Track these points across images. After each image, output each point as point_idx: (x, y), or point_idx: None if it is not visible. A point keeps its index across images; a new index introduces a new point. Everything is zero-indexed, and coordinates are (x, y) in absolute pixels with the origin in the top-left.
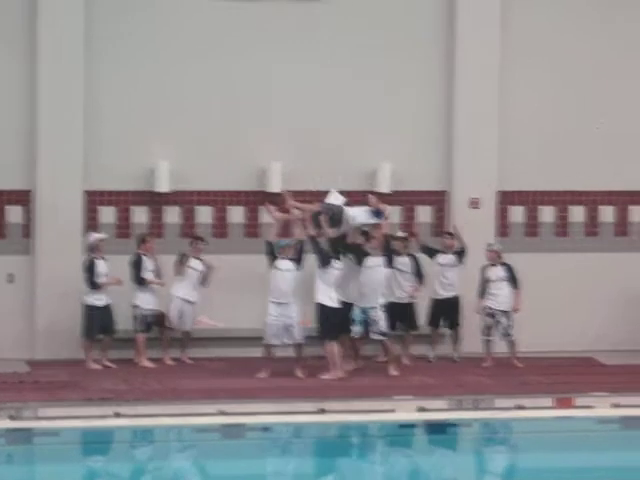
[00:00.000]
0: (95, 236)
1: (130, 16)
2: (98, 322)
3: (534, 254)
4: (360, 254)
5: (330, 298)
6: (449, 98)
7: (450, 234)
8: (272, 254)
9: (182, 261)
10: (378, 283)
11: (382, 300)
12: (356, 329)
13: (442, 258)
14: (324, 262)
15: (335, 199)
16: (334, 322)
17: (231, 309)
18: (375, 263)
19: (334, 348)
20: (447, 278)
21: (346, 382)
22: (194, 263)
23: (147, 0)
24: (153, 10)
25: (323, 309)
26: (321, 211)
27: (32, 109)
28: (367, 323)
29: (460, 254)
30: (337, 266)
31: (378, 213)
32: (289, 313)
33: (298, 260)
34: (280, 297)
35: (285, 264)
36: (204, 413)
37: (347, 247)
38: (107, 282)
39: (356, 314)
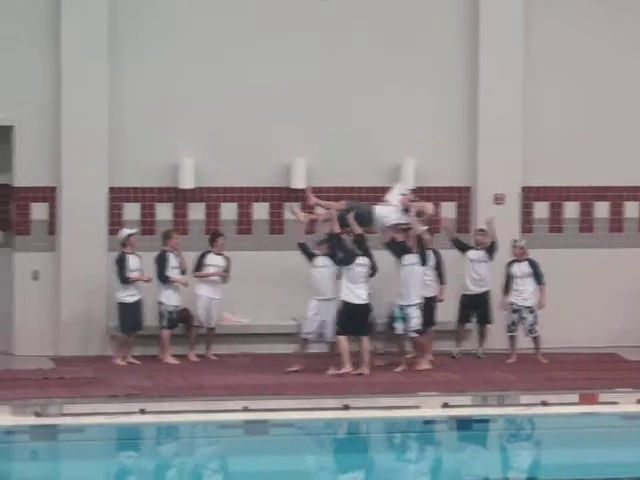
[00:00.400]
0: (125, 231)
1: (155, 12)
2: (131, 318)
3: (558, 250)
4: (400, 251)
5: (356, 296)
6: (473, 94)
7: (482, 230)
8: (308, 253)
9: (200, 262)
10: (415, 281)
11: (418, 299)
12: (397, 326)
13: (473, 254)
14: (348, 260)
15: (399, 190)
16: (356, 319)
17: (255, 305)
18: (411, 261)
19: (346, 344)
20: (478, 274)
21: (370, 378)
22: (215, 260)
23: None
24: (177, 7)
25: (346, 306)
26: (347, 209)
27: (57, 106)
28: (404, 320)
29: (490, 249)
30: (361, 262)
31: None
32: (328, 309)
33: (333, 255)
34: (319, 294)
35: (321, 261)
36: (228, 409)
37: (387, 244)
38: (137, 277)
39: (395, 312)
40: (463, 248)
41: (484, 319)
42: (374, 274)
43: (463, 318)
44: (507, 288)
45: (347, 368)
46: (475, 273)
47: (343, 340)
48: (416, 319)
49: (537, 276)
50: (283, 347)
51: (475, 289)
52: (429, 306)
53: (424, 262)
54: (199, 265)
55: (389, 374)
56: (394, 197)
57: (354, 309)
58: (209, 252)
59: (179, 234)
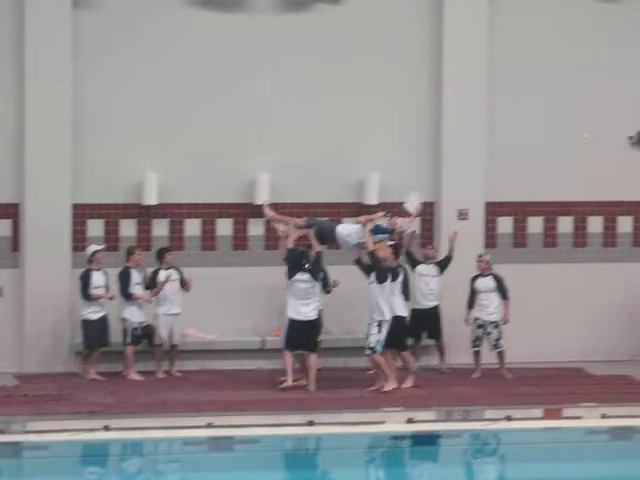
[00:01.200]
0: (91, 247)
1: (118, 30)
2: (95, 335)
3: (522, 265)
4: (367, 269)
5: (298, 312)
6: (437, 109)
7: (431, 244)
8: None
9: (152, 278)
10: (373, 298)
11: (379, 316)
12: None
13: (423, 268)
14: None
15: (413, 202)
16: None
17: (219, 321)
18: (371, 279)
19: (289, 359)
20: (428, 288)
21: (335, 394)
22: (166, 274)
23: (134, 13)
24: (140, 24)
25: (291, 322)
26: (308, 225)
27: (20, 122)
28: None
29: (443, 264)
30: (303, 279)
31: (384, 230)
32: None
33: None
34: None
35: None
36: (193, 426)
37: (356, 262)
38: (99, 295)
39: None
40: (413, 263)
41: (435, 334)
42: (327, 291)
43: (414, 333)
44: (471, 303)
45: (288, 382)
46: (425, 288)
47: (286, 355)
48: (373, 336)
49: (502, 291)
50: (247, 363)
51: (425, 303)
52: (398, 325)
53: (394, 278)
54: (152, 283)
55: (354, 390)
56: (412, 206)
57: (298, 325)
58: (159, 269)
59: (142, 250)
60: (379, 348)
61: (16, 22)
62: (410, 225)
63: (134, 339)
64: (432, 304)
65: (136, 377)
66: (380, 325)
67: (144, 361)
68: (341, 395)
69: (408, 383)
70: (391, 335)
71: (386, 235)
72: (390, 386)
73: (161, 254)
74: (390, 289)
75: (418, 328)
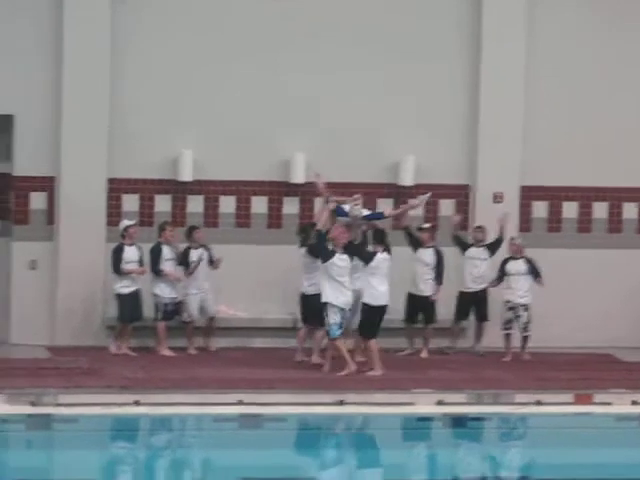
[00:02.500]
0: (124, 222)
1: (154, 8)
2: (128, 309)
3: (556, 250)
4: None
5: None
6: (474, 92)
7: (479, 227)
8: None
9: (185, 256)
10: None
11: (324, 298)
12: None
13: (473, 251)
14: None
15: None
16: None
17: (252, 299)
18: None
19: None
20: (478, 271)
21: (365, 375)
22: (196, 253)
23: None
24: (177, 7)
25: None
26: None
27: (57, 96)
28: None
29: (493, 246)
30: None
31: (344, 212)
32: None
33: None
34: None
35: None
36: (223, 402)
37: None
38: (130, 269)
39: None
40: (463, 246)
41: (482, 316)
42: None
43: (461, 316)
44: (496, 282)
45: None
46: (475, 271)
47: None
48: (326, 321)
49: (533, 272)
50: (280, 341)
51: (474, 287)
52: (431, 303)
53: (367, 262)
54: (184, 260)
55: (384, 370)
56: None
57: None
58: (190, 247)
59: (176, 226)
60: (332, 334)
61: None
62: (360, 212)
63: (165, 315)
64: (481, 287)
65: (168, 353)
66: (327, 309)
67: (177, 337)
68: (368, 376)
69: (346, 370)
70: (365, 323)
71: (346, 218)
72: (378, 371)
73: (190, 232)
74: (365, 272)
75: (465, 310)
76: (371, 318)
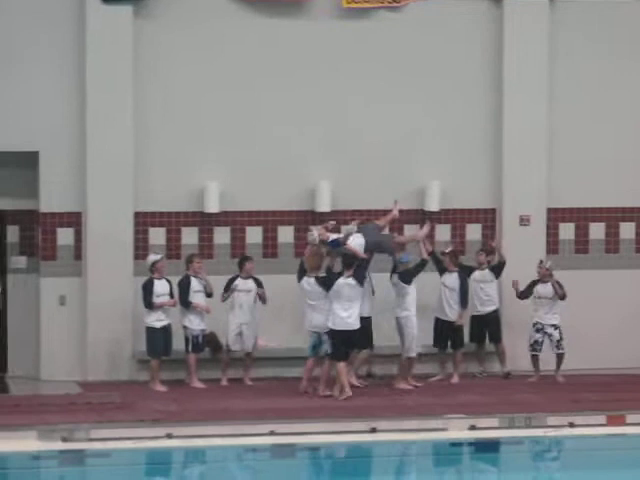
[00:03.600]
0: (150, 258)
1: (179, 39)
2: (158, 343)
3: (584, 271)
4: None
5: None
6: (498, 116)
7: (483, 250)
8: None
9: (228, 285)
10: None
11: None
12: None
13: (477, 274)
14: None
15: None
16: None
17: (280, 328)
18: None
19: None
20: (485, 294)
21: (395, 401)
22: (243, 284)
23: (196, 22)
24: (201, 33)
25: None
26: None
27: (82, 131)
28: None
29: (497, 269)
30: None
31: (336, 243)
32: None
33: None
34: None
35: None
36: (255, 433)
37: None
38: (161, 302)
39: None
40: (467, 271)
41: (496, 338)
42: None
43: (476, 339)
44: (523, 294)
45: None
46: (482, 293)
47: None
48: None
49: (561, 295)
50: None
51: (482, 309)
52: (458, 328)
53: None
54: (228, 288)
55: (413, 397)
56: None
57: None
58: (237, 276)
59: (203, 258)
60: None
61: (78, 33)
62: (314, 238)
63: (195, 347)
64: (490, 309)
65: (199, 385)
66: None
67: (209, 369)
68: (401, 402)
69: (343, 395)
70: (332, 346)
71: (337, 248)
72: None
73: (242, 263)
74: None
75: (479, 334)
76: (335, 342)
